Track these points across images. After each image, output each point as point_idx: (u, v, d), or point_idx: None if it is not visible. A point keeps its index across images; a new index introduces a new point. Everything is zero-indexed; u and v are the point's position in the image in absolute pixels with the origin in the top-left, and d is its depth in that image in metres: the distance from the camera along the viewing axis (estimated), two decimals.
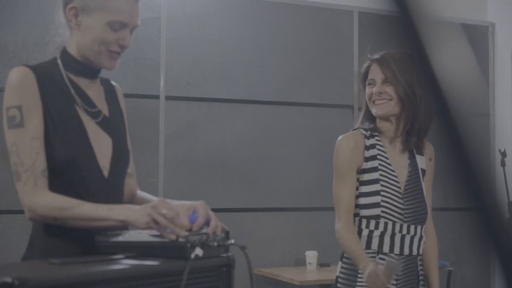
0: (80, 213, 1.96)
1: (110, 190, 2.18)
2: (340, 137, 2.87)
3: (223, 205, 5.12)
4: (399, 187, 2.81)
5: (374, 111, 2.84)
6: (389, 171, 2.82)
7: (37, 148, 2.02)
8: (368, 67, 2.90)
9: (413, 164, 2.89)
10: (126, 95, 4.90)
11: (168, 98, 5.11)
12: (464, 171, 0.66)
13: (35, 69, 2.09)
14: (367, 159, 2.82)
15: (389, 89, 2.78)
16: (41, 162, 2.03)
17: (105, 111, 2.24)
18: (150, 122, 5.05)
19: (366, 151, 2.82)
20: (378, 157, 2.83)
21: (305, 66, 5.58)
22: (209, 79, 5.26)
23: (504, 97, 6.20)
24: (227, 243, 1.94)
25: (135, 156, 4.93)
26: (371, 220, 2.79)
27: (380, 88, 2.80)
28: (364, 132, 2.85)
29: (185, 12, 5.21)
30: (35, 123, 2.04)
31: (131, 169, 2.36)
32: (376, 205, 2.78)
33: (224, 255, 1.94)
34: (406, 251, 2.80)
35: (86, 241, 2.03)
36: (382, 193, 2.78)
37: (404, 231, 2.80)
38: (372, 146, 2.84)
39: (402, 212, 2.79)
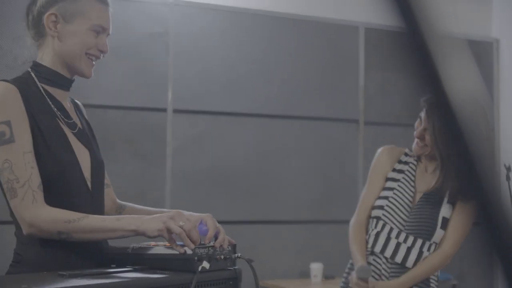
0: (86, 225, 1.93)
1: (95, 202, 2.18)
2: (383, 147, 3.18)
3: (229, 218, 5.15)
4: (410, 201, 2.97)
5: (413, 148, 3.05)
6: (409, 186, 3.00)
7: (31, 162, 1.98)
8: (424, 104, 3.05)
9: (437, 187, 2.96)
10: (134, 108, 4.99)
11: (175, 111, 5.15)
12: (471, 184, 0.69)
13: (14, 83, 2.04)
14: (394, 170, 3.06)
15: (428, 138, 2.94)
16: (37, 177, 1.98)
17: (78, 123, 2.22)
18: (157, 135, 5.08)
19: (397, 164, 3.08)
20: (406, 172, 3.04)
21: (311, 80, 5.61)
22: (215, 92, 5.29)
23: (509, 113, 6.22)
24: (233, 256, 1.96)
25: (142, 169, 4.99)
26: (373, 219, 2.97)
27: (421, 134, 2.98)
28: (407, 151, 3.13)
29: (193, 27, 5.25)
30: (25, 138, 1.99)
31: (107, 180, 2.34)
32: (380, 207, 2.98)
33: (231, 268, 1.96)
34: (399, 259, 2.89)
35: (82, 253, 2.04)
36: (390, 199, 2.97)
37: (401, 239, 2.90)
38: (406, 163, 3.07)
39: (403, 223, 2.93)
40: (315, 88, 5.63)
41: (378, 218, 2.98)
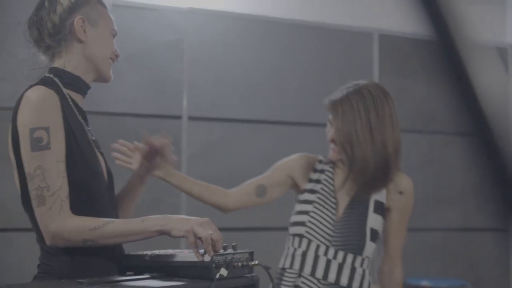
0: (112, 230, 1.92)
1: (114, 208, 2.21)
2: (303, 154, 2.90)
3: (245, 224, 5.15)
4: (334, 214, 2.71)
5: (330, 153, 2.82)
6: (329, 197, 2.75)
7: (62, 172, 1.96)
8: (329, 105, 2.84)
9: (361, 195, 2.74)
10: (149, 116, 5.01)
11: (190, 118, 5.16)
12: (504, 190, 0.69)
13: (52, 88, 2.03)
14: (310, 180, 2.80)
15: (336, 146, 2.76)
16: (66, 187, 1.97)
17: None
18: (172, 142, 5.08)
19: (313, 173, 2.82)
20: (323, 181, 2.78)
21: (326, 87, 5.59)
22: (231, 100, 5.30)
23: None
24: (251, 263, 1.97)
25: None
26: (296, 238, 2.72)
27: (333, 137, 2.77)
28: (321, 158, 2.88)
29: (208, 34, 5.26)
30: (60, 146, 1.97)
31: None
32: (301, 223, 2.72)
33: (248, 275, 1.96)
34: (332, 278, 2.65)
35: (105, 259, 2.06)
36: (311, 213, 2.71)
37: (330, 256, 2.65)
38: (321, 171, 2.82)
39: (329, 238, 2.67)
40: (330, 94, 5.62)
41: (301, 236, 2.71)
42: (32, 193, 1.96)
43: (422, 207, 5.93)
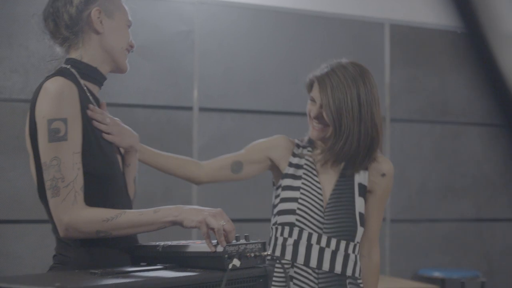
0: (125, 221, 1.92)
1: (129, 199, 2.21)
2: (281, 135, 2.82)
3: (256, 215, 5.15)
4: (321, 199, 2.64)
5: (310, 133, 2.72)
6: (314, 182, 2.66)
7: (78, 163, 1.96)
8: (312, 82, 2.74)
9: (345, 179, 2.68)
10: (161, 107, 5.01)
11: (201, 109, 5.16)
12: None
13: (70, 79, 2.02)
14: (291, 165, 2.71)
15: (325, 115, 2.63)
16: (81, 178, 1.96)
17: None
18: (183, 133, 5.09)
19: (292, 157, 2.73)
20: (305, 166, 2.70)
21: None
22: (241, 90, 5.29)
23: None
24: (264, 253, 1.96)
25: None
26: (286, 227, 2.62)
27: (318, 112, 2.66)
28: (298, 141, 2.80)
29: (218, 25, 5.25)
30: (77, 137, 1.97)
31: None
32: (291, 211, 2.62)
33: (261, 265, 1.96)
34: (326, 266, 2.59)
35: (119, 250, 2.06)
36: (300, 200, 2.62)
37: (323, 244, 2.59)
38: (301, 155, 2.73)
39: (321, 225, 2.60)
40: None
41: (291, 225, 2.61)
42: (47, 184, 1.96)
43: (434, 198, 5.91)
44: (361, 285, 2.66)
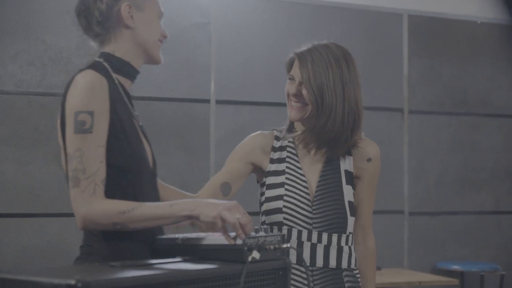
0: (141, 214, 1.92)
1: (156, 192, 2.21)
2: (251, 134, 2.66)
3: None
4: (307, 193, 2.51)
5: (289, 113, 2.60)
6: (298, 175, 2.54)
7: (101, 156, 1.97)
8: (293, 60, 2.63)
9: (331, 167, 2.56)
10: (177, 100, 5.01)
11: (218, 102, 5.15)
12: None
13: (101, 73, 2.04)
14: (273, 161, 2.58)
15: (305, 92, 2.50)
16: (103, 172, 1.97)
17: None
18: (201, 126, 5.09)
19: (273, 153, 2.59)
20: (287, 159, 2.57)
21: None
22: (258, 83, 5.28)
23: None
24: (283, 246, 1.95)
25: (187, 159, 5.01)
26: (274, 227, 2.52)
27: (297, 89, 2.54)
28: (277, 133, 2.65)
29: (235, 17, 5.24)
30: (102, 131, 1.98)
31: None
32: (278, 210, 2.50)
33: (281, 258, 1.94)
34: (320, 262, 2.48)
35: (143, 242, 2.06)
36: (285, 197, 2.50)
37: (315, 240, 2.48)
38: (282, 148, 2.60)
39: (309, 221, 2.48)
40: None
41: (280, 224, 2.49)
42: (69, 174, 1.97)
43: (453, 191, 5.88)
44: (358, 276, 2.57)
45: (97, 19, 2.14)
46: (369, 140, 2.61)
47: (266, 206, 2.53)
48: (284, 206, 2.48)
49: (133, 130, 2.11)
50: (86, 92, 1.97)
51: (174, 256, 1.94)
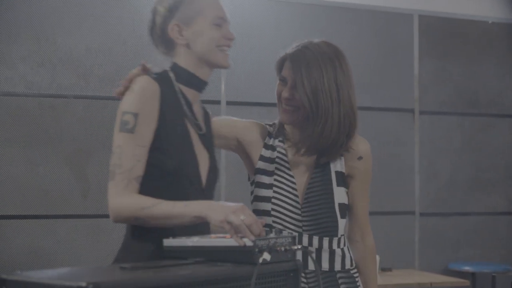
0: (158, 212, 2.00)
1: (203, 196, 2.24)
2: (254, 120, 2.61)
3: None
4: (296, 195, 2.45)
5: (280, 116, 2.51)
6: (287, 177, 2.48)
7: (139, 156, 2.09)
8: (283, 60, 2.52)
9: (321, 169, 2.49)
10: None
11: (229, 103, 5.15)
12: None
13: (156, 80, 2.17)
14: (263, 159, 2.52)
15: (298, 95, 2.41)
16: (139, 170, 2.09)
17: (203, 127, 2.32)
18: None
19: (264, 150, 2.53)
20: (277, 160, 2.50)
21: (365, 70, 5.55)
22: (269, 84, 5.25)
23: None
24: (294, 247, 1.94)
25: None
26: (266, 229, 2.33)
27: (290, 93, 2.44)
28: (269, 128, 2.58)
29: (245, 18, 5.23)
30: (145, 133, 2.10)
31: None
32: (266, 213, 2.45)
33: (292, 259, 1.94)
34: (312, 266, 2.41)
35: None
36: (273, 200, 2.45)
37: (305, 243, 2.42)
38: (273, 148, 2.52)
39: (299, 224, 2.43)
40: (369, 77, 5.57)
41: (270, 227, 2.42)
42: (110, 168, 2.10)
43: (464, 191, 5.86)
44: (356, 275, 2.52)
45: (159, 38, 2.30)
46: (359, 137, 2.53)
47: (255, 206, 2.50)
48: (272, 209, 2.45)
49: (184, 137, 2.20)
50: (135, 95, 2.11)
51: (185, 258, 1.93)
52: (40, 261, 4.65)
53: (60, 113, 4.73)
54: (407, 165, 5.68)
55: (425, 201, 5.73)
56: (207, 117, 2.42)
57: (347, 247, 2.54)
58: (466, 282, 5.11)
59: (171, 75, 2.25)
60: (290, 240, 1.94)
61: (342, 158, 2.51)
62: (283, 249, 1.90)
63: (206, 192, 2.26)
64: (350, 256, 2.53)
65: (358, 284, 2.52)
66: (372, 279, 2.59)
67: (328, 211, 2.44)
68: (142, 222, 2.03)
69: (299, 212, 2.44)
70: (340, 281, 2.46)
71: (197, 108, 2.32)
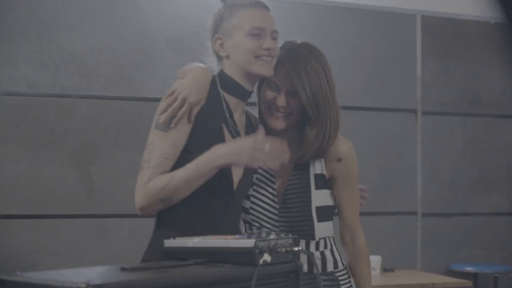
0: (177, 181, 2.13)
1: (235, 204, 2.36)
2: None
3: None
4: (275, 195, 2.45)
5: (270, 123, 2.45)
6: (268, 176, 2.47)
7: (168, 154, 2.20)
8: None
9: (300, 172, 2.47)
10: None
11: None
12: None
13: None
14: None
15: (294, 103, 2.40)
16: (166, 166, 2.19)
17: (243, 133, 2.40)
18: None
19: None
20: None
21: (367, 70, 5.55)
22: None
23: None
24: (295, 249, 1.95)
25: None
26: (246, 225, 2.49)
27: (285, 101, 2.41)
28: None
29: None
30: (178, 133, 2.22)
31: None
32: (245, 210, 2.46)
33: (292, 261, 1.94)
34: (305, 267, 2.37)
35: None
36: (252, 198, 2.45)
37: None
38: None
39: (276, 224, 2.43)
40: (372, 78, 5.57)
41: (249, 223, 2.46)
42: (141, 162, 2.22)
43: (466, 192, 5.85)
44: (342, 278, 2.49)
45: (211, 49, 2.45)
46: (339, 138, 2.49)
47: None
48: (251, 208, 2.46)
49: (217, 141, 2.24)
50: None
51: (185, 259, 1.94)
52: (45, 261, 4.65)
53: (64, 113, 4.73)
54: (409, 165, 5.68)
55: (427, 201, 5.73)
56: (249, 125, 2.48)
57: (332, 249, 2.53)
58: (468, 283, 5.11)
59: (217, 80, 2.36)
60: (291, 241, 1.95)
61: (322, 160, 2.47)
62: (283, 250, 1.91)
63: (236, 197, 2.35)
64: (335, 259, 2.51)
65: (346, 287, 2.50)
66: (364, 280, 2.56)
67: (304, 214, 2.43)
68: (168, 202, 2.16)
69: (276, 212, 2.45)
70: (322, 283, 2.43)
71: (239, 116, 2.40)
